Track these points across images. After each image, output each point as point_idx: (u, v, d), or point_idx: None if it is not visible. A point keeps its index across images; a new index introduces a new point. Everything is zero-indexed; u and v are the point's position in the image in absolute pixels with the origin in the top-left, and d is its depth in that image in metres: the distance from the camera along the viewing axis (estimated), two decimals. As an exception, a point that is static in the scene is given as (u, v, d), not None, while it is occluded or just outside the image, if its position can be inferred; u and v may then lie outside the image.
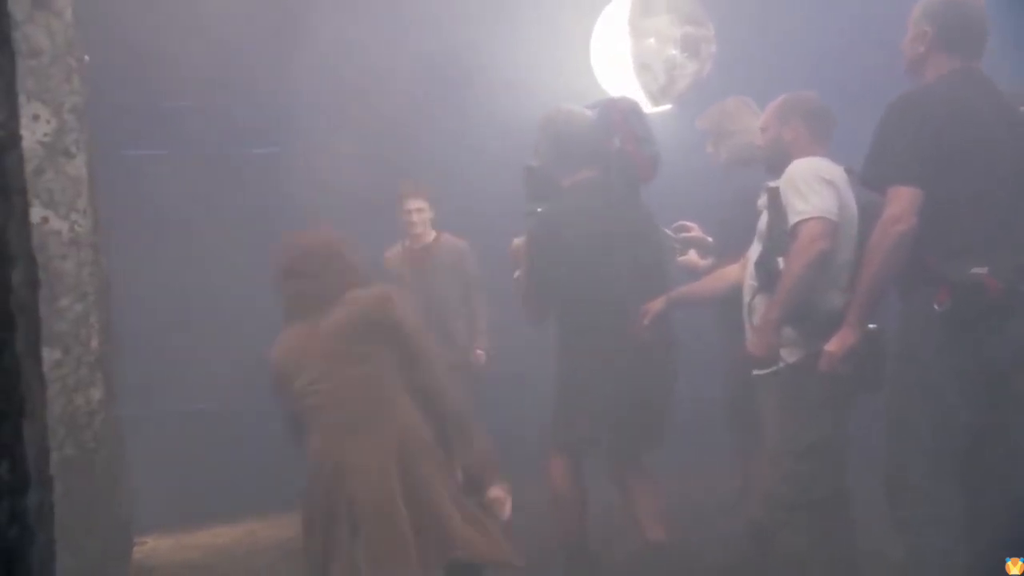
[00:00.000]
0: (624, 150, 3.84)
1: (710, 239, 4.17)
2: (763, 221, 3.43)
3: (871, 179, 3.08)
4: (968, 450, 2.97)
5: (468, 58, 5.86)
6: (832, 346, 3.10)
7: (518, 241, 4.04)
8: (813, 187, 3.20)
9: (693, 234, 4.19)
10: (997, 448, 3.00)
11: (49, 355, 3.58)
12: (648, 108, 4.76)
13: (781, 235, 3.26)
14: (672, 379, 3.96)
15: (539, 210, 3.93)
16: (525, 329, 4.20)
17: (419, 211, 5.72)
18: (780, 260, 3.25)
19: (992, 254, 2.91)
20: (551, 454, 3.96)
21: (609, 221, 3.84)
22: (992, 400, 2.96)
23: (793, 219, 3.20)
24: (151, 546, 5.20)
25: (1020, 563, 2.73)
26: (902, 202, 2.93)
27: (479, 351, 5.80)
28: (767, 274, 3.30)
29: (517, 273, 4.04)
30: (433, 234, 5.84)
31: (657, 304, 3.79)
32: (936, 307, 2.93)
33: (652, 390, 3.87)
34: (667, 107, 4.82)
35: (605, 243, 3.80)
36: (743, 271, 3.64)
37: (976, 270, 2.89)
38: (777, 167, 3.46)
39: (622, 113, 3.88)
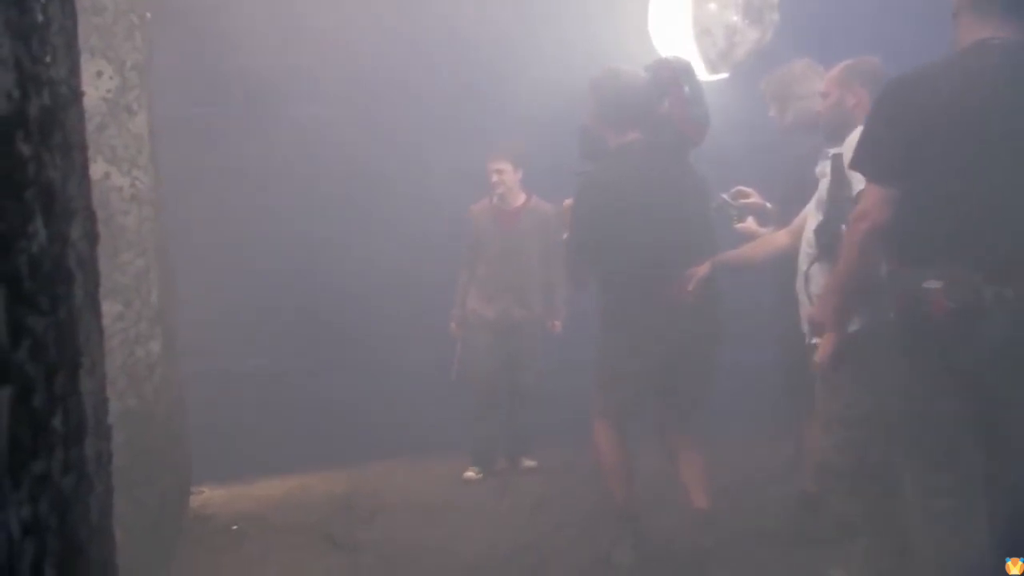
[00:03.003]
0: (671, 112, 3.79)
1: (769, 205, 4.10)
2: (823, 188, 3.36)
3: (854, 168, 2.96)
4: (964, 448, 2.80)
5: (527, 21, 5.80)
6: (818, 357, 3.10)
7: (568, 202, 4.02)
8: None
9: (752, 200, 4.11)
10: (992, 447, 2.79)
11: (111, 308, 3.67)
12: (705, 75, 4.67)
13: (844, 203, 3.19)
14: (716, 343, 3.92)
15: (589, 171, 3.91)
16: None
17: (500, 172, 5.68)
18: (843, 227, 3.18)
19: (958, 263, 2.64)
20: (595, 419, 3.96)
21: (654, 184, 3.79)
22: (968, 401, 2.75)
23: (859, 186, 3.13)
24: (207, 495, 5.33)
25: (1020, 563, 2.65)
26: (870, 199, 2.81)
27: (556, 323, 5.79)
28: (829, 242, 3.24)
29: (565, 235, 4.02)
30: (523, 197, 5.79)
31: (702, 268, 3.75)
32: (892, 315, 2.86)
33: (696, 354, 3.84)
34: (724, 75, 4.72)
35: (650, 206, 3.76)
36: (791, 238, 3.59)
37: (929, 284, 2.67)
38: (838, 133, 3.38)
39: (673, 73, 3.81)
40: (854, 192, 3.15)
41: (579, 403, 4.17)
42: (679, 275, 3.74)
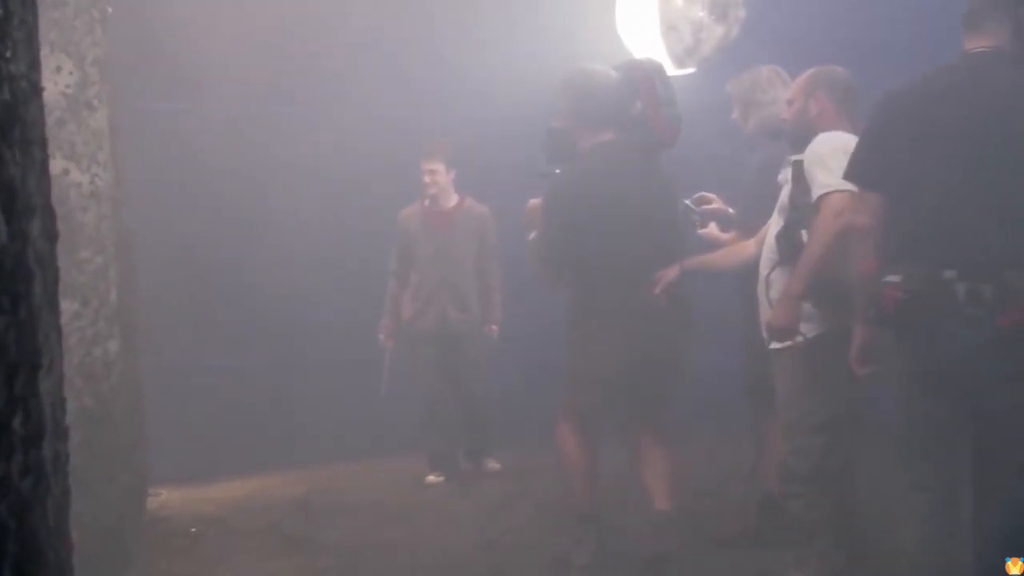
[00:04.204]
0: (645, 113, 3.80)
1: (731, 210, 4.13)
2: (785, 194, 3.40)
3: (847, 178, 3.03)
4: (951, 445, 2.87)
5: (491, 17, 5.80)
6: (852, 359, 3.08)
7: (535, 202, 4.02)
8: (839, 160, 3.16)
9: (714, 206, 4.14)
10: (979, 444, 2.86)
11: (68, 307, 3.61)
12: (672, 71, 4.70)
13: (804, 208, 3.23)
14: (684, 346, 3.94)
15: (556, 171, 3.90)
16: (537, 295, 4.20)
17: (433, 172, 5.57)
18: (804, 233, 3.22)
19: (923, 260, 2.75)
20: (561, 420, 3.96)
21: (627, 185, 3.80)
22: (948, 397, 2.82)
23: (817, 192, 3.17)
24: (165, 498, 5.27)
25: (1020, 563, 2.69)
26: (850, 200, 2.98)
27: (493, 327, 5.72)
28: (790, 247, 3.28)
29: (532, 235, 4.02)
30: (455, 198, 5.69)
31: (671, 272, 3.76)
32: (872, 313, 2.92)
33: (663, 357, 3.86)
34: (691, 70, 4.76)
35: (621, 207, 3.76)
36: (760, 247, 3.62)
37: (889, 278, 2.78)
38: (801, 140, 3.42)
39: (645, 74, 3.83)
40: (814, 197, 3.19)
41: (538, 404, 4.18)
42: (649, 277, 3.75)
